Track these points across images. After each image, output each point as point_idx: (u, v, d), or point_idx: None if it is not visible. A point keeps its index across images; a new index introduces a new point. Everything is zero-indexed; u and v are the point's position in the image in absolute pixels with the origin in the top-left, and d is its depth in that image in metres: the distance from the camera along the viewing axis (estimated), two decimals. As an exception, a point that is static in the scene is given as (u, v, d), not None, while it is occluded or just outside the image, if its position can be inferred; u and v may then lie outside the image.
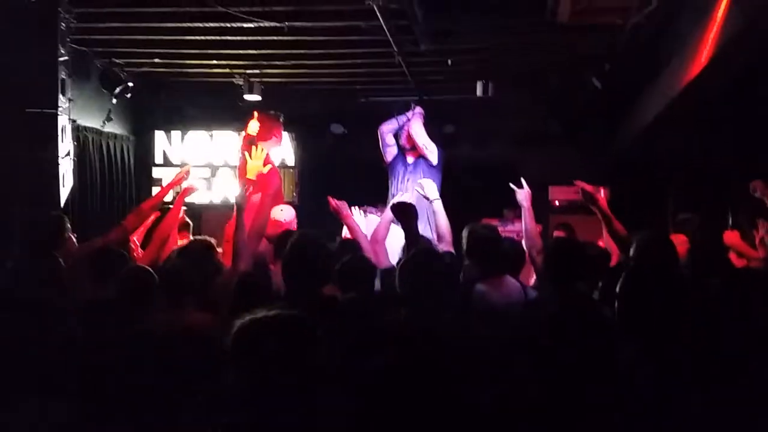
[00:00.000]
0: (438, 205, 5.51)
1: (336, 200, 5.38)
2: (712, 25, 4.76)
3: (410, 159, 7.24)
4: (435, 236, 5.48)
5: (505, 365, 3.09)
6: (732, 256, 5.27)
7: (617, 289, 3.60)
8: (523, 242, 5.21)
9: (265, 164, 5.69)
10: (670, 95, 6.31)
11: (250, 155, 5.94)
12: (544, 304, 4.09)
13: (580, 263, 4.01)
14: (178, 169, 9.12)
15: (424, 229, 6.35)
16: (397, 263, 4.11)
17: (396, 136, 7.40)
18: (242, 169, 6.20)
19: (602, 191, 5.37)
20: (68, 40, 5.85)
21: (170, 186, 5.67)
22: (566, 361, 2.75)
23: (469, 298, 4.12)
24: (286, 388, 1.89)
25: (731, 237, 5.37)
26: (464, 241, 4.46)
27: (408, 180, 6.77)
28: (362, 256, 4.37)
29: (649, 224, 6.09)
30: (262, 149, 5.80)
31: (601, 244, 5.29)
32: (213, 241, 4.94)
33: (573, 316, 3.37)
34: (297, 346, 1.92)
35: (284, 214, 5.74)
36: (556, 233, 6.51)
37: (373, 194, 6.46)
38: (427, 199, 5.72)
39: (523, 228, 5.17)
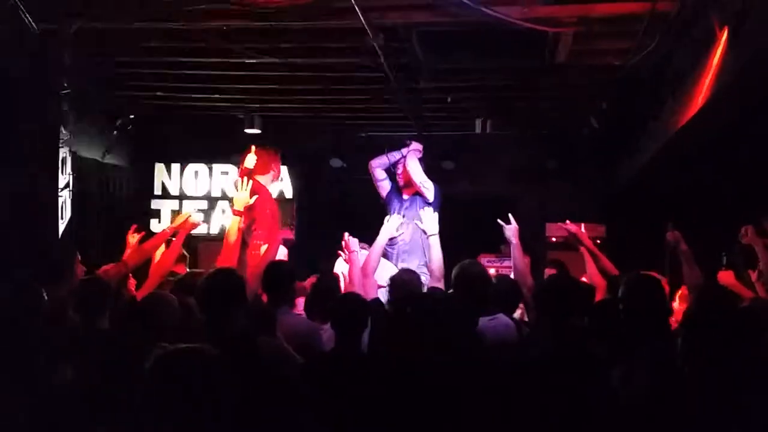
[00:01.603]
0: (434, 241, 5.56)
1: (351, 237, 5.48)
2: (708, 68, 4.82)
3: (405, 196, 7.26)
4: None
5: (500, 403, 3.09)
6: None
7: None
8: (512, 277, 5.26)
9: (251, 195, 5.73)
10: (667, 135, 6.36)
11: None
12: (537, 342, 4.09)
13: (573, 300, 4.03)
14: (176, 202, 9.28)
15: (419, 266, 6.38)
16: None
17: (388, 171, 7.44)
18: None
19: (582, 227, 5.51)
20: (71, 72, 5.90)
21: (172, 229, 5.71)
22: (558, 401, 2.76)
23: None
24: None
25: (725, 277, 5.36)
26: (453, 279, 4.48)
27: (403, 216, 6.80)
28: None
29: (646, 262, 6.12)
30: (249, 181, 5.85)
31: (584, 279, 5.38)
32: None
33: (566, 355, 3.39)
34: (203, 381, 2.04)
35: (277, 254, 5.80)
36: (547, 271, 6.55)
37: (371, 228, 6.47)
38: (425, 232, 5.77)
39: (513, 264, 5.22)
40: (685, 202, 8.02)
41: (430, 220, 5.75)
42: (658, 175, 7.98)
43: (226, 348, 3.05)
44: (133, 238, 5.56)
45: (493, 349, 3.95)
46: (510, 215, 5.31)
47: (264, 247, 5.59)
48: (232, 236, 5.31)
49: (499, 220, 5.34)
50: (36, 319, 3.64)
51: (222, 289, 3.68)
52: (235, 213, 5.53)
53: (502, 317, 4.29)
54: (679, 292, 5.24)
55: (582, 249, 5.44)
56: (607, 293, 4.74)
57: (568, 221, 5.65)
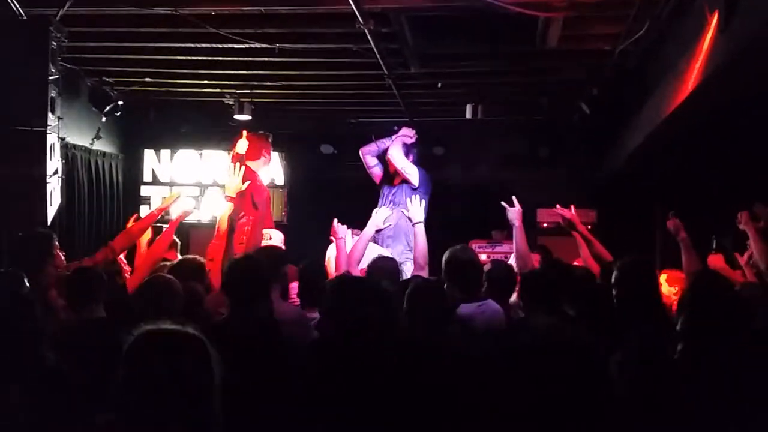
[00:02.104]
0: (419, 229, 5.51)
1: (339, 224, 5.46)
2: (698, 54, 4.82)
3: (394, 183, 7.26)
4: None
5: (483, 391, 3.09)
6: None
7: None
8: (513, 261, 5.25)
9: (244, 181, 5.71)
10: (657, 120, 6.37)
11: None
12: (527, 327, 4.09)
13: (565, 286, 4.04)
14: (166, 188, 9.24)
15: (403, 251, 6.38)
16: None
17: (379, 158, 7.44)
18: None
19: (572, 208, 5.48)
20: (59, 58, 5.85)
21: (160, 210, 5.67)
22: (550, 388, 2.76)
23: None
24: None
25: (715, 260, 5.37)
26: (443, 264, 4.45)
27: (390, 203, 6.79)
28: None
29: (636, 247, 6.13)
30: (241, 167, 5.82)
31: (578, 263, 5.38)
32: (203, 260, 4.98)
33: (558, 341, 3.39)
34: (185, 363, 1.98)
35: (273, 240, 5.77)
36: (532, 255, 6.56)
37: (362, 215, 6.47)
38: (410, 220, 5.75)
39: (515, 247, 5.21)
40: (674, 188, 8.05)
41: (416, 207, 5.70)
42: (649, 161, 7.99)
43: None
44: None
45: (482, 335, 3.95)
46: (514, 198, 5.30)
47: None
48: (225, 223, 5.30)
49: (502, 203, 5.33)
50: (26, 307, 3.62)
51: (243, 278, 3.77)
52: (228, 199, 5.51)
53: (490, 303, 4.28)
54: (664, 275, 5.24)
55: (575, 234, 5.43)
56: (601, 279, 4.74)
57: (558, 206, 5.64)
